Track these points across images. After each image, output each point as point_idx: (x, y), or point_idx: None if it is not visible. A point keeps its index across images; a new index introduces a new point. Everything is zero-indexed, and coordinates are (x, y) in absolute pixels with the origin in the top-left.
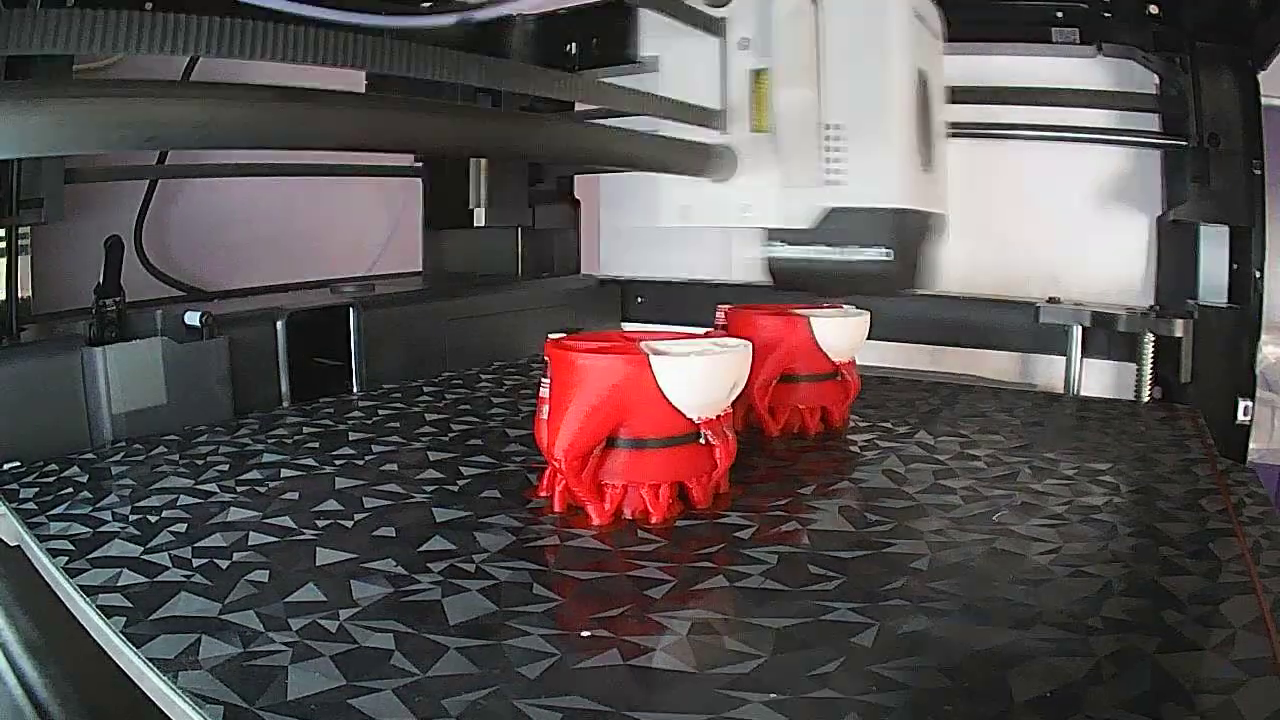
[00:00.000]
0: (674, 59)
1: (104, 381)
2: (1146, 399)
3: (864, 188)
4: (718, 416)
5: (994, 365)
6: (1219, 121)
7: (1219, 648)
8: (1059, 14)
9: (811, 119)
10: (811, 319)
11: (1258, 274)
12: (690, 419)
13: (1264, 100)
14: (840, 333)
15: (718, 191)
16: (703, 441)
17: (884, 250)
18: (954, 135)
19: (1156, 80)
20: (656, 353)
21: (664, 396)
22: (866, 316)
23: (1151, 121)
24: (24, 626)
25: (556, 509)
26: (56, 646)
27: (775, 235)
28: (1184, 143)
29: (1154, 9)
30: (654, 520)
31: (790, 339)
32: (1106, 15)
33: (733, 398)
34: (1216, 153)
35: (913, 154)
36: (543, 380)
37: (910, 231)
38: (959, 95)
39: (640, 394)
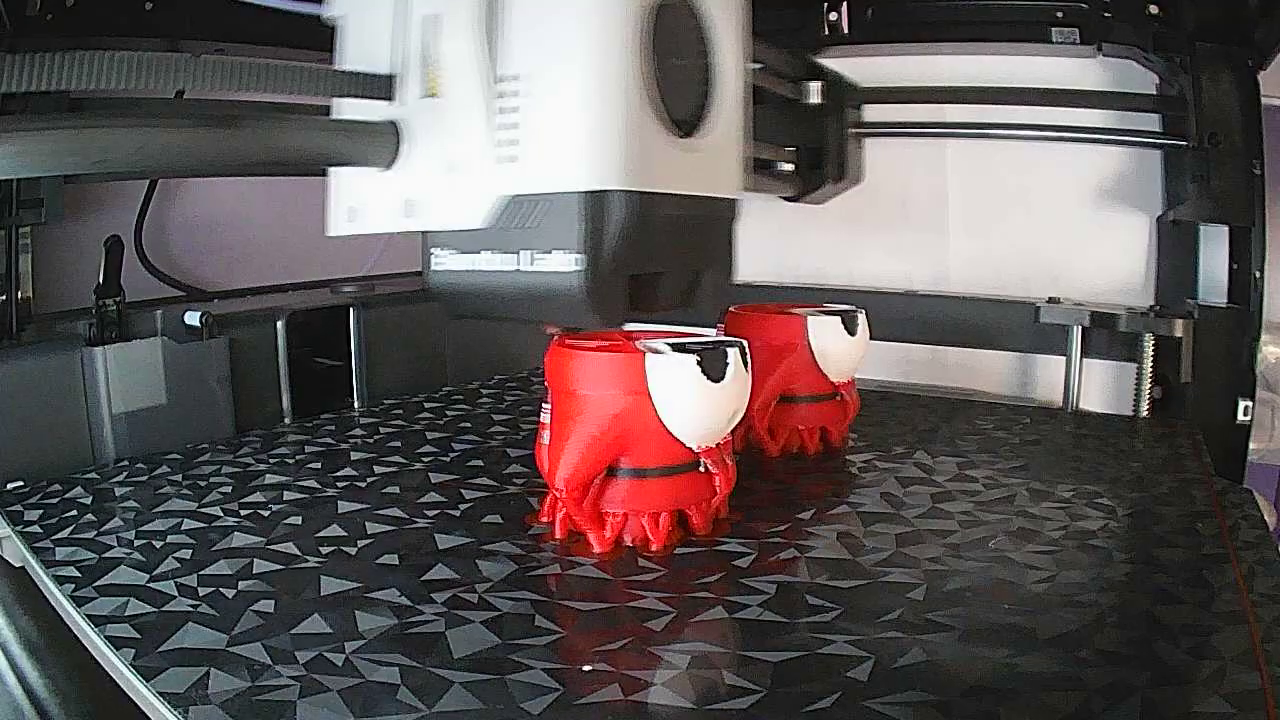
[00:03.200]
0: (357, 19)
1: (104, 381)
2: (1146, 399)
3: (546, 164)
4: (717, 445)
5: (994, 365)
6: (1219, 121)
7: (1209, 681)
8: (1059, 14)
9: (481, 72)
10: (812, 341)
11: (1258, 274)
12: (690, 448)
13: (1264, 100)
14: (840, 353)
15: (381, 185)
16: (702, 470)
17: (570, 256)
18: (954, 136)
19: (1156, 80)
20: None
21: (664, 427)
22: (866, 335)
23: (1151, 121)
24: (24, 627)
25: (558, 536)
26: (56, 647)
27: (440, 240)
28: (1184, 143)
29: (1154, 9)
30: (654, 548)
31: (790, 359)
32: (1106, 15)
33: (732, 425)
34: (1216, 153)
35: (633, 108)
36: (544, 405)
37: (620, 226)
38: (959, 95)
39: (640, 424)
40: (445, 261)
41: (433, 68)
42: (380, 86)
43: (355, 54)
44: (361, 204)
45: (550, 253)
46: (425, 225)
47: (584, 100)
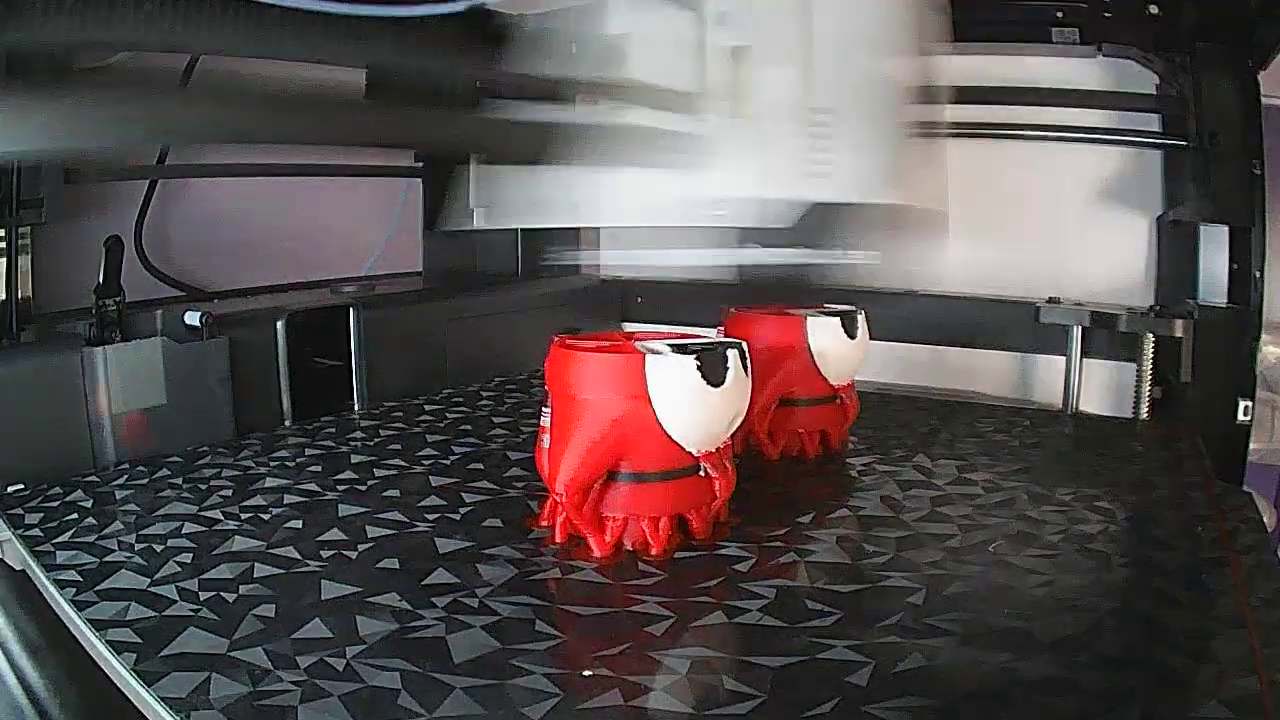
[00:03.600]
0: (644, 37)
1: (104, 381)
2: (1146, 399)
3: (857, 180)
4: (717, 449)
5: (994, 366)
6: (1219, 121)
7: (1208, 685)
8: (1059, 14)
9: (797, 103)
10: (812, 344)
11: (1258, 274)
12: (690, 452)
13: (1264, 100)
14: (840, 355)
15: (689, 187)
16: (702, 474)
17: (872, 254)
18: (954, 135)
19: (1156, 80)
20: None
21: (664, 431)
22: (866, 337)
23: (1151, 121)
24: (24, 626)
25: (558, 540)
26: (56, 647)
27: (750, 236)
28: (1184, 143)
29: (1154, 9)
30: (654, 552)
31: (790, 362)
32: (1106, 15)
33: (732, 430)
34: (1216, 153)
35: (910, 144)
36: (544, 409)
37: (906, 229)
38: (960, 95)
39: (640, 429)
40: (754, 255)
41: (741, 93)
42: (685, 103)
43: (642, 69)
44: (664, 201)
45: (853, 250)
46: (735, 222)
47: (887, 136)
